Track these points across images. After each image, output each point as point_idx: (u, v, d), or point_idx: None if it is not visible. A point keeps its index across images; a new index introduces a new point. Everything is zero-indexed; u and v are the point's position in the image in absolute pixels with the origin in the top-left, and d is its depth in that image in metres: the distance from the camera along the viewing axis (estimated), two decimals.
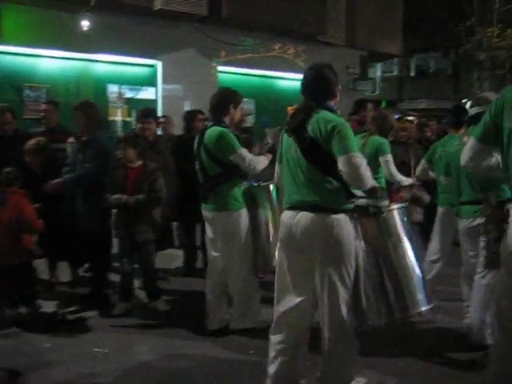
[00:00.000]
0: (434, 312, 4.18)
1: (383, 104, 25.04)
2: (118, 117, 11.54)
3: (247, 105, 11.71)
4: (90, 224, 5.18)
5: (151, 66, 11.78)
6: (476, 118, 4.01)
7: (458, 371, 3.91)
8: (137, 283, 5.43)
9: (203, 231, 6.52)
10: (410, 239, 3.54)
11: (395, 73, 28.90)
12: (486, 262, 4.18)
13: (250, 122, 11.47)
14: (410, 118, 13.97)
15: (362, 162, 3.18)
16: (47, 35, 9.96)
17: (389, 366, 4.01)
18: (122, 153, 5.14)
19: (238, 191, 4.48)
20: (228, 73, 12.74)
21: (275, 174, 3.74)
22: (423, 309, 3.52)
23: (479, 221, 4.28)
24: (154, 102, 11.82)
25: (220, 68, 12.50)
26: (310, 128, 3.26)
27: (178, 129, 8.51)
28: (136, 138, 5.28)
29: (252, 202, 4.51)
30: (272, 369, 3.39)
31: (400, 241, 3.51)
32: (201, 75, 12.01)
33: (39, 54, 10.34)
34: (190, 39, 11.77)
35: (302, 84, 3.51)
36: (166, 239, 6.25)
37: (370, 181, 3.26)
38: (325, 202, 3.25)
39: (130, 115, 11.62)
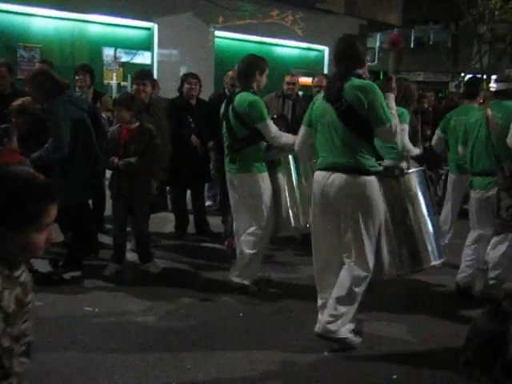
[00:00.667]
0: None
1: (381, 75, 24.87)
2: (113, 80, 11.42)
3: None
4: (66, 198, 5.03)
5: (147, 28, 11.61)
6: (503, 94, 4.50)
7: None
8: (128, 246, 5.44)
9: (195, 196, 6.56)
10: (425, 200, 3.95)
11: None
12: (497, 228, 4.40)
13: None
14: None
15: (396, 129, 3.55)
16: None
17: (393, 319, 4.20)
18: (117, 114, 5.06)
19: (262, 155, 4.64)
20: (225, 38, 12.59)
21: (298, 137, 4.00)
22: (435, 262, 3.97)
23: (492, 192, 4.42)
24: (150, 66, 11.68)
25: (217, 33, 12.34)
26: (345, 94, 3.53)
27: (173, 94, 8.45)
28: (131, 99, 5.18)
29: (272, 167, 4.72)
30: (320, 316, 3.72)
31: (416, 200, 3.92)
32: (197, 40, 11.87)
33: (33, 12, 10.15)
34: (188, 3, 11.59)
35: (334, 54, 3.80)
36: (160, 202, 6.24)
37: (402, 145, 3.76)
38: (357, 164, 3.56)
39: (125, 79, 11.49)
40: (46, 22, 10.45)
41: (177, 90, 6.61)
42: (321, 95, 3.80)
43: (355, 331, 3.75)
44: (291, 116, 6.66)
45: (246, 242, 4.68)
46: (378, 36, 23.47)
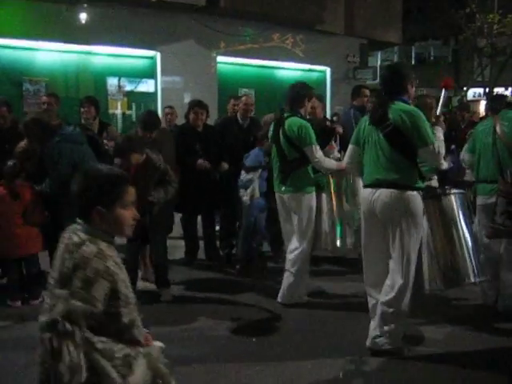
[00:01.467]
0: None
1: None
2: (117, 110, 11.54)
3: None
4: None
5: (150, 57, 11.76)
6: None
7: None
8: (139, 274, 5.44)
9: (205, 222, 6.57)
10: (465, 219, 4.16)
11: (395, 61, 28.85)
12: (489, 232, 4.51)
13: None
14: None
15: (439, 150, 3.81)
16: (45, 28, 9.95)
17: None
18: (129, 158, 4.97)
19: (310, 176, 4.95)
20: (227, 63, 12.73)
21: (346, 155, 4.29)
22: (475, 280, 4.14)
23: (494, 199, 4.54)
24: (154, 94, 11.82)
25: (219, 58, 12.47)
26: (391, 116, 3.80)
27: (179, 120, 8.53)
28: (140, 141, 5.15)
29: (317, 187, 5.01)
30: (371, 319, 3.98)
31: (457, 220, 4.13)
32: (200, 66, 12.00)
33: (38, 47, 10.33)
34: (189, 30, 11.75)
35: (381, 79, 4.18)
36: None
37: (443, 165, 3.96)
38: (402, 180, 3.80)
39: (129, 108, 11.62)
40: (50, 56, 10.62)
41: (184, 116, 6.67)
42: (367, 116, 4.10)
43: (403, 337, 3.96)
44: None
45: (290, 260, 4.96)
46: (379, 54, 23.64)
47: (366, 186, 3.99)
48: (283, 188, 4.96)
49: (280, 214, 5.13)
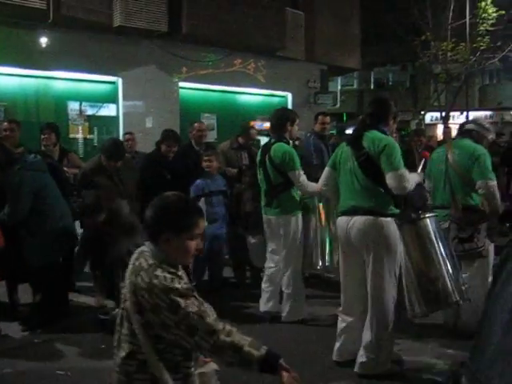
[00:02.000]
0: None
1: (344, 117, 25.47)
2: (79, 134, 11.43)
3: (208, 120, 11.79)
4: (36, 257, 5.01)
5: (112, 82, 11.72)
6: (467, 133, 4.95)
7: None
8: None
9: None
10: (442, 242, 4.12)
11: (355, 86, 29.46)
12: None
13: (211, 137, 11.55)
14: None
15: (405, 176, 3.86)
16: (5, 52, 9.82)
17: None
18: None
19: (295, 199, 5.14)
20: (189, 89, 12.78)
21: (322, 177, 4.41)
22: (455, 300, 4.06)
23: (448, 224, 4.69)
24: (116, 118, 11.75)
25: (181, 84, 12.52)
26: (366, 145, 3.93)
27: (139, 146, 8.50)
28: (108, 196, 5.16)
29: (304, 209, 5.21)
30: (338, 343, 4.17)
31: (435, 243, 4.09)
32: (162, 91, 12.02)
33: None
34: (151, 56, 11.77)
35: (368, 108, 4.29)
36: None
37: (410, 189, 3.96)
38: (376, 207, 3.90)
39: (91, 132, 11.52)
40: (9, 80, 10.48)
41: (155, 143, 6.61)
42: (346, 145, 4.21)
43: (394, 361, 4.07)
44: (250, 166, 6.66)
45: (284, 282, 5.14)
46: (339, 79, 24.13)
47: (341, 214, 4.11)
48: (269, 210, 5.16)
49: (266, 235, 5.37)
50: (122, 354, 2.15)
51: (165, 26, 11.33)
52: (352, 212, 3.99)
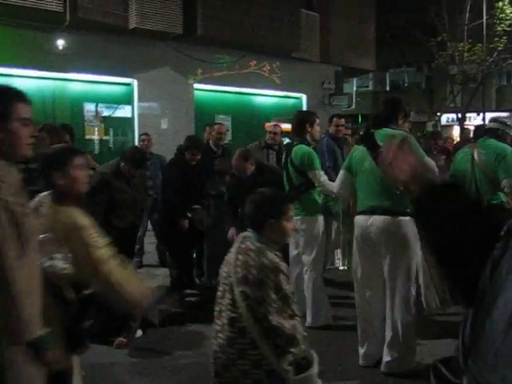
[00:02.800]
0: None
1: (359, 118, 25.39)
2: (94, 135, 11.53)
3: (223, 121, 11.82)
4: None
5: (127, 84, 11.82)
6: (490, 132, 4.98)
7: None
8: None
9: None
10: None
11: (370, 87, 29.33)
12: None
13: (226, 139, 11.56)
14: None
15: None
16: (23, 55, 9.95)
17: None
18: None
19: (317, 201, 5.18)
20: (204, 90, 12.84)
21: (338, 180, 4.45)
22: None
23: None
24: (131, 120, 11.84)
25: (196, 85, 12.58)
26: (381, 143, 3.86)
27: (154, 147, 8.55)
28: None
29: (325, 210, 5.30)
30: (361, 348, 4.16)
31: None
32: (177, 93, 12.08)
33: (15, 73, 10.29)
34: (166, 57, 11.85)
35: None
36: None
37: None
38: (394, 206, 3.92)
39: (106, 134, 11.62)
40: (27, 82, 10.57)
41: (176, 149, 6.52)
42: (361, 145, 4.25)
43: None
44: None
45: (305, 285, 5.10)
46: (355, 81, 24.04)
47: (359, 213, 4.14)
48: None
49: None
50: (224, 321, 2.47)
51: (180, 28, 11.41)
52: (370, 211, 4.02)
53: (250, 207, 2.67)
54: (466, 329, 1.25)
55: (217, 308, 2.55)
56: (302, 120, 5.34)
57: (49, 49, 10.26)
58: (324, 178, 5.05)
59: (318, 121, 5.36)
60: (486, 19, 18.00)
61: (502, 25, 18.29)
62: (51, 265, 2.44)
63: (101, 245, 2.54)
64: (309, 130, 5.27)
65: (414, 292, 3.99)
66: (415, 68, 27.91)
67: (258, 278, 2.41)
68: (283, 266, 2.50)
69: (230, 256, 2.56)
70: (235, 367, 2.42)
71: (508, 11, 18.14)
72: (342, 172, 4.41)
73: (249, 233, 2.61)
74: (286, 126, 10.01)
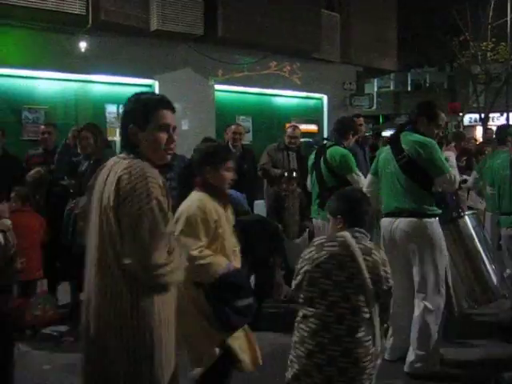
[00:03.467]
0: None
1: (380, 119, 25.21)
2: (116, 137, 11.60)
3: (244, 122, 11.82)
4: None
5: (148, 85, 11.87)
6: None
7: None
8: None
9: None
10: (483, 238, 4.33)
11: (392, 88, 29.12)
12: None
13: (247, 139, 11.58)
14: None
15: (455, 178, 4.00)
16: (45, 57, 10.05)
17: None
18: None
19: None
20: (225, 91, 12.85)
21: (366, 182, 4.54)
22: (501, 293, 4.33)
23: None
24: None
25: (217, 87, 12.59)
26: (406, 148, 3.99)
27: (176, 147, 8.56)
28: None
29: None
30: (388, 342, 4.21)
31: (475, 239, 4.30)
32: (198, 94, 12.11)
33: (37, 75, 10.42)
34: (187, 59, 11.88)
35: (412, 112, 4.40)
36: None
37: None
38: (419, 208, 3.96)
39: None
40: (50, 84, 10.71)
41: (193, 150, 6.57)
42: (386, 147, 4.38)
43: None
44: (299, 169, 6.61)
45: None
46: (376, 81, 23.88)
47: (385, 215, 4.17)
48: (322, 212, 5.09)
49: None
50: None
51: (201, 29, 11.43)
52: (396, 214, 4.05)
53: (364, 207, 2.85)
54: None
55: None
56: (349, 126, 5.41)
57: (71, 51, 10.35)
58: (362, 178, 5.07)
59: (357, 136, 5.56)
60: (510, 18, 17.73)
61: None
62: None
63: None
64: (350, 137, 5.38)
65: (443, 292, 3.98)
66: (437, 68, 27.63)
67: (385, 276, 2.66)
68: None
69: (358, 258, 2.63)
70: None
71: None
72: (369, 176, 4.51)
73: (355, 232, 2.70)
74: (306, 127, 9.98)
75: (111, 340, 2.20)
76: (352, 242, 2.63)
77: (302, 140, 7.47)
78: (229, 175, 3.14)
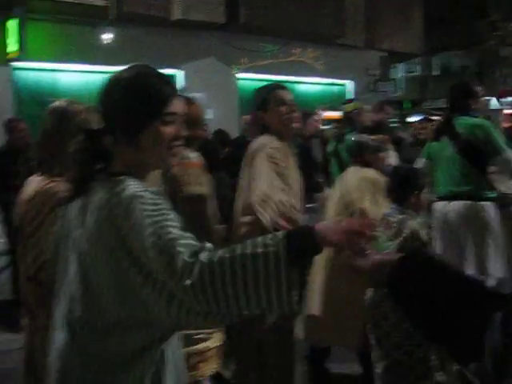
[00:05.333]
0: None
1: (407, 104, 24.85)
2: None
3: None
4: None
5: (172, 75, 11.87)
6: None
7: None
8: None
9: None
10: None
11: (418, 72, 28.64)
12: None
13: None
14: (435, 117, 13.81)
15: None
16: (69, 49, 10.12)
17: None
18: None
19: None
20: (248, 79, 12.78)
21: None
22: None
23: None
24: None
25: (240, 75, 12.54)
26: (462, 131, 4.00)
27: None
28: None
29: None
30: None
31: None
32: (221, 83, 12.07)
33: (61, 68, 10.51)
34: (210, 47, 11.84)
35: (447, 98, 4.40)
36: None
37: None
38: (475, 191, 3.97)
39: None
40: (74, 76, 10.79)
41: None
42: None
43: None
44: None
45: None
46: (401, 66, 23.50)
47: (439, 199, 4.14)
48: None
49: None
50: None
51: (222, 17, 11.37)
52: (450, 197, 4.02)
53: (394, 182, 2.98)
54: None
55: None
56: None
57: (94, 43, 10.40)
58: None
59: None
60: None
61: None
62: None
63: None
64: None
65: (501, 275, 3.92)
66: (465, 51, 27.07)
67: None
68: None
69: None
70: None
71: None
72: (422, 160, 4.44)
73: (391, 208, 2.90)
74: (330, 114, 9.87)
75: None
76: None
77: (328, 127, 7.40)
78: None
